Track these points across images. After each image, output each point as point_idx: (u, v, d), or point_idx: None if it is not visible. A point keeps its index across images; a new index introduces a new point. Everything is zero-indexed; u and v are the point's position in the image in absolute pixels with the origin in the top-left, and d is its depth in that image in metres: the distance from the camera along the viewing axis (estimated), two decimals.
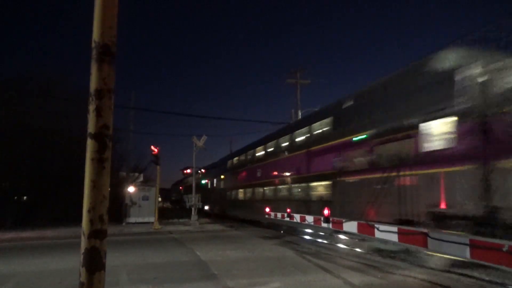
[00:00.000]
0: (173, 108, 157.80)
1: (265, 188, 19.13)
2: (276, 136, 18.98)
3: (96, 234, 1.75)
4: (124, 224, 22.03)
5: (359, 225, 8.90)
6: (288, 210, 14.09)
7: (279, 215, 15.13)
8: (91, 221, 1.75)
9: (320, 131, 13.85)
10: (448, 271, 7.38)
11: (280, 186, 17.08)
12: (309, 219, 11.57)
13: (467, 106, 7.24)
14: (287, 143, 17.04)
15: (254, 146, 22.26)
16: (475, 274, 7.03)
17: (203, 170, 35.45)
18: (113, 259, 9.16)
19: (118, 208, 23.33)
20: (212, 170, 31.44)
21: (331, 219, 10.12)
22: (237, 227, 19.73)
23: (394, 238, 7.46)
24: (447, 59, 8.11)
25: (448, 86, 7.75)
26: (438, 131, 7.88)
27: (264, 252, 10.59)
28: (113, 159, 22.29)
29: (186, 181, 46.30)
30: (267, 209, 16.54)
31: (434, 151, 7.91)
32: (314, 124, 14.46)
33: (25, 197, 24.38)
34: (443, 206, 7.61)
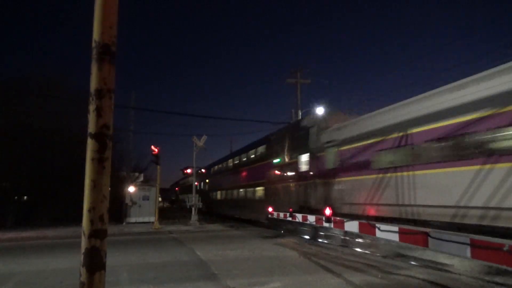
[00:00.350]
0: (173, 108, 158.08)
1: (229, 190, 26.26)
2: (237, 153, 26.30)
3: (97, 234, 1.75)
4: (124, 224, 22.04)
5: (360, 225, 8.91)
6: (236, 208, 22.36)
7: (235, 212, 23.64)
8: (92, 221, 1.75)
9: (259, 153, 20.68)
10: (448, 271, 7.39)
11: (238, 190, 23.94)
12: (311, 218, 11.60)
13: (313, 148, 13.54)
14: (243, 159, 24.06)
15: (225, 158, 29.37)
16: (475, 273, 7.04)
17: (203, 170, 35.81)
18: (114, 259, 9.16)
19: (118, 208, 23.34)
20: (201, 174, 37.29)
21: (332, 219, 10.13)
22: (237, 227, 19.74)
23: (395, 237, 7.47)
24: (305, 122, 14.90)
25: (306, 137, 14.16)
26: (304, 160, 14.18)
27: (264, 251, 10.59)
28: (113, 159, 22.30)
29: (182, 182, 52.80)
30: (229, 207, 24.21)
31: (303, 171, 14.21)
32: (258, 148, 21.13)
33: (25, 197, 24.40)
34: (303, 202, 13.96)
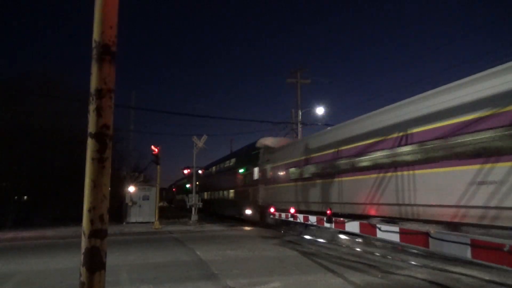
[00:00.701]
0: (174, 107, 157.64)
1: (213, 192, 31.50)
2: (218, 161, 32.14)
3: (97, 233, 1.75)
4: (124, 223, 22.04)
5: (361, 225, 8.91)
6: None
7: (218, 210, 28.68)
8: (92, 221, 1.75)
9: (232, 163, 25.89)
10: (448, 271, 7.39)
11: (219, 191, 29.10)
12: (312, 219, 11.60)
13: (261, 163, 18.75)
14: (222, 166, 29.34)
15: (210, 165, 34.79)
16: (475, 273, 7.04)
17: (200, 172, 36.14)
18: (114, 259, 9.17)
19: (118, 208, 23.34)
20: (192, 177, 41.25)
21: (333, 219, 10.15)
22: (237, 227, 19.75)
23: (396, 238, 7.46)
24: (258, 144, 19.74)
25: (257, 156, 19.27)
26: (257, 172, 19.14)
27: (264, 251, 10.59)
28: (114, 159, 22.30)
29: (178, 184, 57.26)
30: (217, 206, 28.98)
31: (255, 179, 19.35)
32: (231, 159, 26.79)
33: (25, 197, 24.40)
34: (253, 201, 19.47)
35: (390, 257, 9.18)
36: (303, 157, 14.13)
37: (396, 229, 7.47)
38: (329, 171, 12.02)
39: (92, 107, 1.81)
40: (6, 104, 20.86)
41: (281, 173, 16.25)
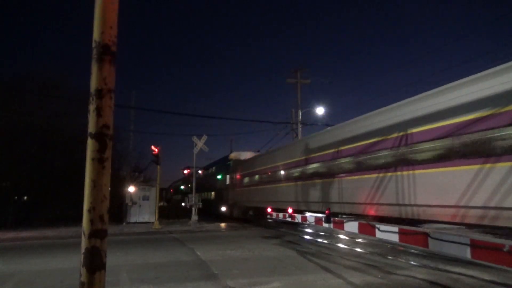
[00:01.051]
0: (174, 107, 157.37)
1: (203, 193, 34.55)
2: (207, 166, 37.07)
3: (97, 233, 1.75)
4: (124, 223, 22.03)
5: (360, 225, 8.91)
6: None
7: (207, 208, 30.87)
8: (92, 221, 1.75)
9: (214, 170, 31.38)
10: (448, 271, 7.39)
11: (206, 192, 33.92)
12: (310, 219, 11.61)
13: (231, 172, 24.81)
14: (208, 171, 35.01)
15: (205, 167, 39.33)
16: (475, 273, 7.04)
17: (200, 172, 36.58)
18: (114, 259, 9.17)
19: (118, 208, 23.33)
20: (186, 178, 46.46)
21: (332, 219, 10.14)
22: (237, 227, 19.75)
23: (395, 238, 7.46)
24: (231, 156, 26.03)
25: (229, 165, 25.38)
26: (228, 178, 25.12)
27: (264, 252, 10.59)
28: (114, 159, 22.29)
29: (174, 185, 61.49)
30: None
31: (227, 184, 25.20)
32: (214, 166, 32.98)
33: (25, 197, 24.40)
34: (225, 201, 25.57)
35: (390, 257, 9.18)
36: (256, 169, 19.65)
37: (395, 229, 7.47)
38: (268, 180, 17.55)
39: (92, 107, 1.81)
40: (6, 104, 20.87)
41: (243, 180, 22.07)
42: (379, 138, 9.17)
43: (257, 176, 19.38)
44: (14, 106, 21.01)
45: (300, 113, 25.70)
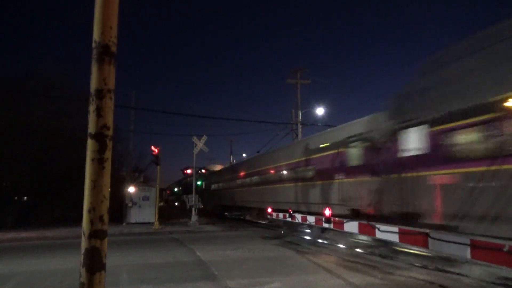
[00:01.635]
0: (174, 107, 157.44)
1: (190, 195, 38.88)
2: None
3: (97, 234, 1.75)
4: (124, 224, 22.03)
5: (360, 225, 8.90)
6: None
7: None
8: (92, 221, 1.75)
9: (198, 178, 34.65)
10: (448, 271, 7.39)
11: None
12: (310, 219, 11.61)
13: (206, 179, 35.96)
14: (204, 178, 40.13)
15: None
16: (475, 274, 7.02)
17: (203, 171, 36.69)
18: (114, 259, 9.16)
19: (118, 208, 23.32)
20: (179, 181, 53.17)
21: (332, 219, 10.14)
22: (237, 227, 19.75)
23: (395, 238, 7.45)
24: (206, 167, 39.00)
25: (205, 175, 36.92)
26: (205, 185, 35.14)
27: (264, 252, 10.59)
28: (114, 159, 22.30)
29: (171, 187, 64.71)
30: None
31: (203, 189, 34.82)
32: (209, 174, 37.11)
33: (25, 197, 24.37)
34: (203, 202, 27.80)
35: (390, 257, 9.18)
36: (222, 178, 28.94)
37: (396, 229, 7.46)
38: (228, 186, 26.44)
39: (92, 108, 1.81)
40: (7, 104, 20.86)
41: (212, 185, 32.27)
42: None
43: (221, 184, 29.43)
44: (14, 106, 21.00)
45: (300, 114, 25.72)
